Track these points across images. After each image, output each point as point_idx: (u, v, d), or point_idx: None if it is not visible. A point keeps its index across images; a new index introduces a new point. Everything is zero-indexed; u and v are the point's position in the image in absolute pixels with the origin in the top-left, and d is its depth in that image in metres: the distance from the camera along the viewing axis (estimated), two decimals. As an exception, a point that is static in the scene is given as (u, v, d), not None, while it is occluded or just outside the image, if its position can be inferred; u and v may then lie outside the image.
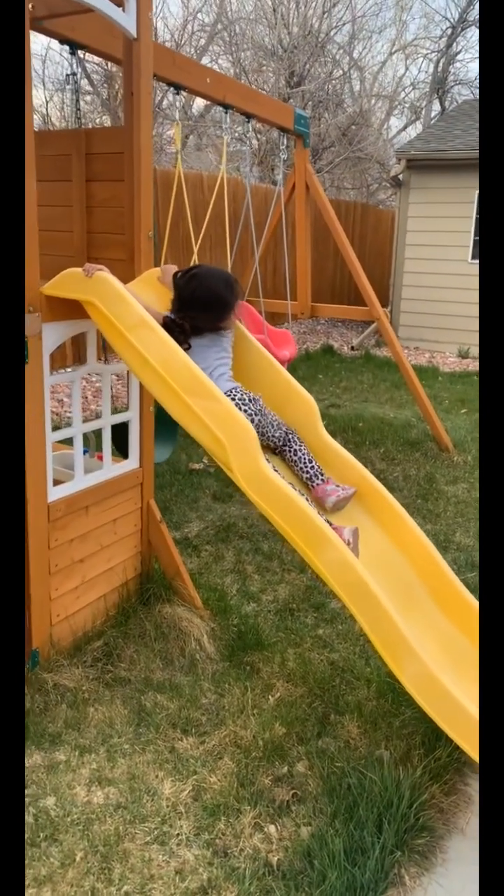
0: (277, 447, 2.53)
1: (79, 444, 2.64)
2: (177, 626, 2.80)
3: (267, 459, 2.22)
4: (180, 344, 2.31)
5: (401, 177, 10.59)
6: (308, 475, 2.47)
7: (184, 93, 4.15)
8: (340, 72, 15.73)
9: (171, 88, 4.12)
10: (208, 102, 12.57)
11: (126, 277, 2.60)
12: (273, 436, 2.51)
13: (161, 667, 2.64)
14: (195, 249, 4.45)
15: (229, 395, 2.36)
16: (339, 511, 2.45)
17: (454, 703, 1.94)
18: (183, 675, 2.60)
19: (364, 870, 1.80)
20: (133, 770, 2.15)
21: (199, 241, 4.54)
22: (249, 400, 2.43)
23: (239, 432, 2.19)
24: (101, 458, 2.85)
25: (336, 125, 14.11)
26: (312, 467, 2.48)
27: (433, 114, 17.74)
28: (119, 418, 2.88)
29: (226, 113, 4.61)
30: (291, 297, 5.83)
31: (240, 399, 2.40)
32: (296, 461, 2.50)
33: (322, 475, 2.47)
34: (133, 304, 2.28)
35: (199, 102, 13.84)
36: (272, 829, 1.97)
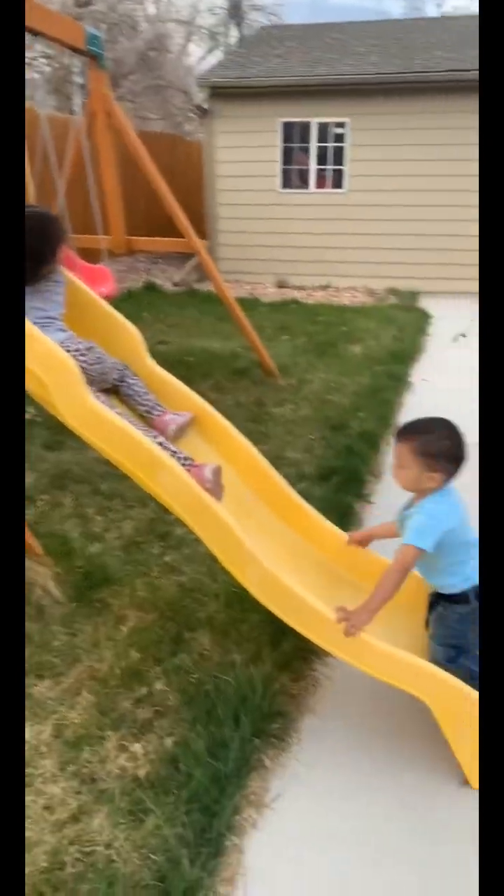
0: (115, 386, 2.48)
1: None
2: (19, 577, 2.71)
3: (113, 407, 2.18)
4: None
5: (206, 105, 10.41)
6: (146, 408, 2.46)
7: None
8: (132, -8, 14.90)
9: None
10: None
11: None
12: (113, 378, 2.45)
13: (6, 618, 2.56)
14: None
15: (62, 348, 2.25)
16: (181, 438, 2.47)
17: (296, 598, 2.07)
18: (31, 622, 2.54)
19: (226, 761, 1.92)
20: (-12, 722, 2.10)
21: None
22: (86, 349, 2.35)
23: (60, 369, 2.11)
24: None
25: (134, 50, 13.45)
26: (149, 400, 2.47)
27: (232, 41, 17.49)
28: None
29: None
30: (104, 231, 5.60)
31: (74, 350, 2.31)
32: (131, 395, 2.47)
33: (159, 406, 2.47)
34: None
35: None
36: (137, 746, 2.03)
